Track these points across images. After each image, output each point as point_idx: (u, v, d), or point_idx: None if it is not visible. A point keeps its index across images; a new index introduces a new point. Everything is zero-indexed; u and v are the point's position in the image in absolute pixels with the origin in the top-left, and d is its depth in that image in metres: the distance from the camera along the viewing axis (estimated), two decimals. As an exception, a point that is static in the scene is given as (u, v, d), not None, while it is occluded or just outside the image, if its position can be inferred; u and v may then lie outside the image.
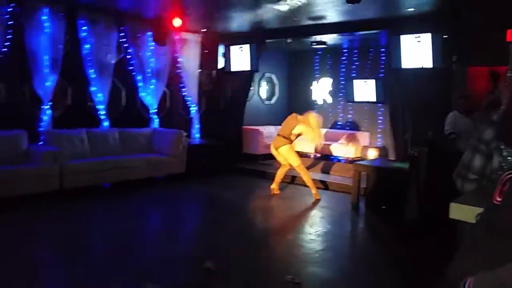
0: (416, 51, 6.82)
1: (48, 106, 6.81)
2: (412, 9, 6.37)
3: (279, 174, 6.95)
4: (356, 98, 9.70)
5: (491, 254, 1.15)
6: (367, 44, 9.33)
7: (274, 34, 8.60)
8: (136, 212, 5.84)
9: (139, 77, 8.06)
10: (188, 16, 6.99)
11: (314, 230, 5.23)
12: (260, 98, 10.74)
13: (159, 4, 6.92)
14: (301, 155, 10.17)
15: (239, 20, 7.95)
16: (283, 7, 6.61)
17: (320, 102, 10.77)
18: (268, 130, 9.57)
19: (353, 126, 10.11)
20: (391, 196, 5.90)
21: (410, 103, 7.01)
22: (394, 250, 4.73)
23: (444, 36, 6.55)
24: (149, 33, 7.94)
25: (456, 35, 6.51)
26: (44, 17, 6.63)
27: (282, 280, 3.59)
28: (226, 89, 9.59)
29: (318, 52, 10.40)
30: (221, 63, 9.51)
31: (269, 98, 10.99)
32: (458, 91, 6.44)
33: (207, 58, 9.33)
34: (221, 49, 9.44)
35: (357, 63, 9.88)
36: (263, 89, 10.83)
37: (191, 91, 9.06)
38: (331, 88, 10.51)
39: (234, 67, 9.23)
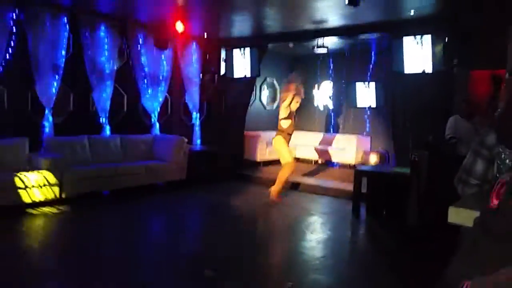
0: (417, 54, 6.81)
1: (50, 113, 6.82)
2: (413, 13, 6.36)
3: (279, 177, 6.62)
4: (358, 102, 9.71)
5: (488, 258, 1.14)
6: (368, 48, 9.33)
7: (275, 39, 8.61)
8: (137, 219, 5.82)
9: (140, 83, 8.08)
10: (189, 21, 7.01)
11: (315, 236, 5.19)
12: (262, 103, 10.74)
13: (161, 10, 6.93)
14: (302, 161, 10.26)
15: (241, 25, 7.97)
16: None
17: (321, 106, 10.77)
18: (270, 135, 9.55)
19: (355, 131, 10.08)
20: (392, 201, 5.87)
21: (411, 107, 6.98)
22: (395, 256, 4.69)
23: (445, 40, 6.54)
24: (151, 39, 7.97)
25: (457, 39, 6.49)
26: (47, 24, 6.66)
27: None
28: (227, 94, 9.59)
29: (320, 57, 10.41)
30: (222, 69, 9.53)
31: (271, 103, 10.98)
32: (459, 95, 6.42)
33: (209, 64, 9.35)
34: (222, 54, 9.46)
35: (358, 67, 9.88)
36: (265, 94, 10.83)
37: (192, 97, 9.08)
38: (332, 92, 10.51)
39: (235, 72, 9.26)
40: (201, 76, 9.21)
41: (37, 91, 6.69)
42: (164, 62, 8.39)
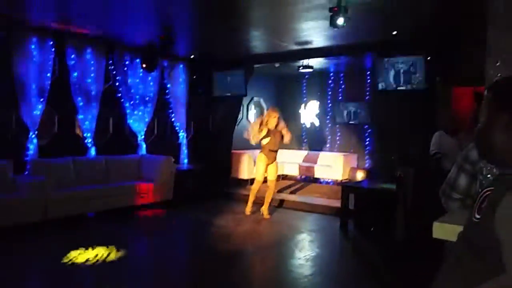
0: (400, 73, 6.94)
1: (35, 135, 6.76)
2: (396, 33, 6.50)
3: (266, 197, 7.01)
4: (344, 120, 9.84)
5: (471, 272, 1.15)
6: (353, 68, 9.50)
7: (262, 59, 8.71)
8: (122, 241, 5.73)
9: (127, 104, 8.07)
10: (176, 42, 7.07)
11: (303, 254, 5.17)
12: (249, 122, 10.78)
13: (147, 31, 6.98)
14: (289, 178, 10.29)
15: (227, 46, 8.06)
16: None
17: (308, 125, 10.87)
18: (257, 154, 9.55)
19: (341, 148, 10.17)
20: (379, 217, 5.89)
21: (396, 124, 7.09)
22: (383, 272, 4.69)
23: (428, 58, 6.69)
24: (137, 60, 8.01)
25: (439, 57, 6.65)
26: (33, 46, 6.66)
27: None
28: (214, 114, 9.63)
29: (306, 76, 10.55)
30: (209, 88, 9.57)
31: (258, 122, 11.03)
32: (442, 112, 6.54)
33: (196, 84, 9.40)
34: (209, 74, 9.52)
35: (343, 86, 10.04)
36: (252, 113, 10.88)
37: (179, 116, 9.10)
38: (318, 111, 10.63)
39: (222, 92, 9.31)
40: (188, 96, 9.24)
41: (22, 113, 6.63)
42: (151, 83, 8.41)
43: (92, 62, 7.42)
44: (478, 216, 1.18)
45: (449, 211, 2.22)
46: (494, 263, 1.05)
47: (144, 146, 8.37)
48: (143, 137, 8.37)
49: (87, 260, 4.72)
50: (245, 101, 10.16)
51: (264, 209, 7.02)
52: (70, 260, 4.70)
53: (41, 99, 6.77)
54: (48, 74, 6.86)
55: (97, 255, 4.89)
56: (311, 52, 7.96)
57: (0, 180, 6.04)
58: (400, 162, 5.85)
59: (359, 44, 7.33)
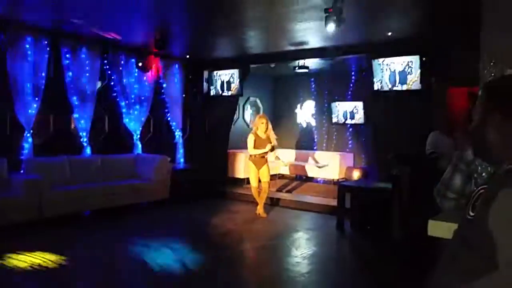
0: (396, 73, 6.98)
1: (30, 134, 6.74)
2: (391, 33, 6.53)
3: (261, 194, 7.11)
4: (340, 120, 9.87)
5: (467, 269, 1.16)
6: (348, 68, 9.52)
7: (257, 59, 8.72)
8: (118, 240, 5.72)
9: (122, 103, 8.06)
10: (172, 42, 7.07)
11: (300, 252, 5.19)
12: (245, 122, 10.79)
13: (143, 31, 6.97)
14: (286, 177, 10.32)
15: (223, 47, 8.07)
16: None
17: (304, 125, 10.89)
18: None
19: (337, 148, 10.21)
20: (375, 216, 5.92)
21: (392, 124, 7.11)
22: (379, 270, 4.72)
23: (423, 59, 6.72)
24: (132, 60, 8.00)
25: (434, 58, 6.69)
26: (27, 45, 6.63)
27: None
28: (210, 113, 9.63)
29: (301, 76, 10.57)
30: (205, 88, 9.59)
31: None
32: (438, 112, 6.57)
33: (191, 83, 9.41)
34: (205, 75, 9.53)
35: (339, 86, 10.06)
36: (248, 113, 10.89)
37: (175, 116, 9.10)
38: (314, 111, 10.66)
39: (218, 92, 9.34)
40: (184, 95, 9.24)
41: (17, 112, 6.61)
42: (146, 83, 8.41)
43: (87, 61, 7.40)
44: (472, 214, 1.19)
45: (444, 211, 2.24)
46: (488, 259, 1.06)
47: (139, 145, 8.36)
48: (138, 136, 8.36)
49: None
50: (241, 101, 10.17)
51: (260, 209, 7.09)
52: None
53: (36, 98, 6.75)
54: (43, 74, 6.84)
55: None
56: (307, 52, 7.98)
57: (-5, 178, 6.04)
58: (396, 162, 5.87)
59: (354, 44, 7.35)
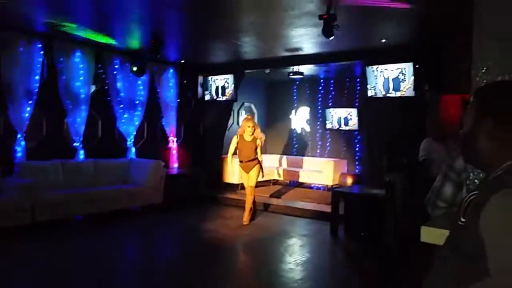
0: (390, 80, 7.02)
1: (22, 137, 6.69)
2: (385, 40, 6.58)
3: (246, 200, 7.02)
4: (334, 126, 9.90)
5: (459, 275, 1.16)
6: (343, 74, 9.57)
7: (252, 65, 8.74)
8: (111, 245, 5.68)
9: (116, 108, 8.04)
10: (167, 47, 7.06)
11: (293, 259, 5.17)
12: (239, 127, 10.77)
13: (138, 36, 6.96)
14: (279, 183, 10.31)
15: (218, 52, 8.09)
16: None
17: (298, 130, 10.91)
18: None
19: (331, 154, 10.22)
20: (369, 222, 5.93)
21: (385, 130, 7.14)
22: (372, 277, 4.71)
23: (416, 66, 6.77)
24: (127, 64, 7.99)
25: (428, 65, 6.74)
26: (21, 49, 6.60)
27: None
28: (205, 118, 9.63)
29: (296, 82, 10.61)
30: (200, 93, 9.59)
31: (249, 127, 11.03)
32: (431, 119, 6.60)
33: (186, 88, 9.41)
34: (200, 80, 9.54)
35: (333, 92, 10.11)
36: (242, 118, 10.87)
37: (169, 121, 9.08)
38: (308, 117, 10.69)
39: (213, 97, 9.35)
40: (178, 100, 9.24)
41: (10, 116, 6.57)
42: (141, 87, 8.39)
43: (81, 65, 7.38)
44: (463, 220, 1.19)
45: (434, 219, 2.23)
46: (480, 266, 1.06)
47: (133, 149, 8.33)
48: (132, 140, 8.33)
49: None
50: (235, 106, 10.18)
51: (245, 215, 6.87)
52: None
53: (29, 102, 6.72)
54: (37, 77, 6.81)
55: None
56: (301, 58, 8.01)
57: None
58: (389, 168, 5.89)
59: (348, 51, 7.39)
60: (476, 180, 2.08)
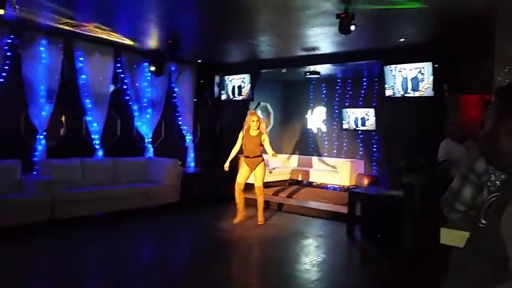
0: (408, 80, 6.93)
1: (43, 136, 6.82)
2: (403, 40, 6.50)
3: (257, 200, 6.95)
4: (351, 126, 9.83)
5: (478, 278, 1.14)
6: (360, 74, 9.50)
7: (268, 65, 8.73)
8: (128, 243, 5.75)
9: (134, 107, 8.14)
10: (184, 47, 7.11)
11: (309, 259, 5.15)
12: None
13: (156, 36, 7.03)
14: (295, 183, 10.27)
15: (234, 52, 8.11)
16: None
17: (314, 130, 10.86)
18: (264, 158, 9.56)
19: (348, 154, 10.15)
20: (386, 224, 5.86)
21: (403, 130, 7.06)
22: (389, 279, 4.66)
23: (435, 65, 6.67)
24: (145, 63, 8.07)
25: (446, 64, 6.63)
26: (42, 48, 6.73)
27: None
28: (221, 118, 9.66)
29: (313, 82, 10.56)
30: (216, 93, 9.63)
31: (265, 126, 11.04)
32: (450, 119, 6.51)
33: (203, 88, 9.46)
34: (216, 79, 9.58)
35: (350, 92, 10.04)
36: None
37: (186, 120, 9.15)
38: (325, 117, 10.63)
39: (229, 96, 9.38)
40: (195, 100, 9.29)
41: (30, 114, 6.70)
42: (159, 87, 8.47)
43: (101, 65, 7.48)
44: (484, 221, 1.17)
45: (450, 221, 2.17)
46: (501, 268, 1.04)
47: (151, 148, 8.41)
48: (150, 139, 8.41)
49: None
50: (252, 105, 10.18)
51: (259, 215, 6.90)
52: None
53: (50, 101, 6.83)
54: (57, 76, 6.92)
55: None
56: (318, 58, 7.97)
57: (8, 180, 6.11)
58: (407, 169, 5.82)
59: (366, 50, 7.33)
60: (497, 182, 2.03)
